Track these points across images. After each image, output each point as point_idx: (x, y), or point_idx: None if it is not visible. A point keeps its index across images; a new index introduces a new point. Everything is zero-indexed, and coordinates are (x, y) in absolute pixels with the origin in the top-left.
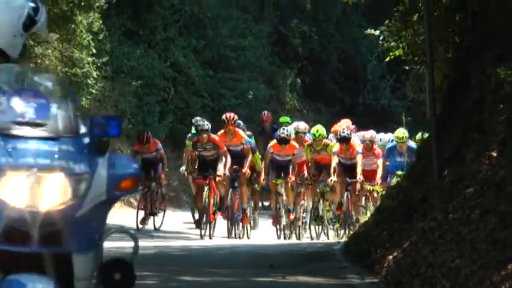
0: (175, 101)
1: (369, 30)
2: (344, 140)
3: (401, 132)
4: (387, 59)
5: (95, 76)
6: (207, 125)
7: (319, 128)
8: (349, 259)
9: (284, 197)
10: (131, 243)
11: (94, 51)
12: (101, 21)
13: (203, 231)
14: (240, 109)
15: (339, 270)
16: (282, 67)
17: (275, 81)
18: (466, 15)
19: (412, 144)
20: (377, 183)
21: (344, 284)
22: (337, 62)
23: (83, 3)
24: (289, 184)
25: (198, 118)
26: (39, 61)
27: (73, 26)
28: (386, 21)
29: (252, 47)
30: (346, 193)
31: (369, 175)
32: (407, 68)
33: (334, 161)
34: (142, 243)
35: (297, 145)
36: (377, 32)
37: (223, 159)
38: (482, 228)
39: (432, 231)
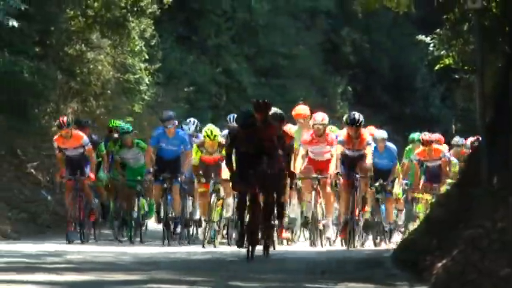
0: (227, 107)
1: (419, 36)
2: (354, 123)
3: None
4: (437, 67)
5: (148, 82)
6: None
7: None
8: (398, 266)
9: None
10: None
11: (146, 57)
12: (153, 27)
13: None
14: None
15: (389, 277)
16: (333, 75)
17: (326, 89)
18: None
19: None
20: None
21: None
22: (388, 70)
23: (135, 9)
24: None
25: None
26: (91, 66)
27: (126, 31)
28: (437, 30)
29: (303, 55)
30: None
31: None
32: (457, 76)
33: (337, 150)
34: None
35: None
36: (428, 39)
37: None
38: None
39: (481, 239)
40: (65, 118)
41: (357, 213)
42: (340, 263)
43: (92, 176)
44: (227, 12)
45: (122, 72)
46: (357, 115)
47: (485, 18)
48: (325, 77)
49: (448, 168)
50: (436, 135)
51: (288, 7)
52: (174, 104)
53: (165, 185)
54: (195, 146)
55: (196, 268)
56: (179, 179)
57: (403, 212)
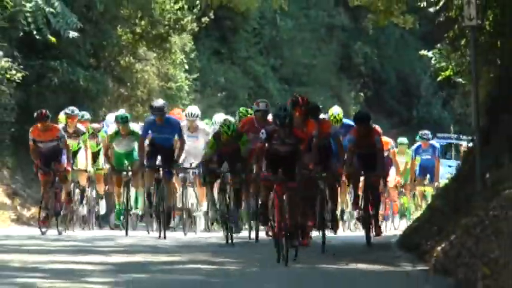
0: None
1: (422, 51)
2: (362, 121)
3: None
4: (439, 78)
5: (187, 89)
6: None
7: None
8: (403, 250)
9: None
10: None
11: (186, 67)
12: (192, 42)
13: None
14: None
15: (394, 259)
16: (347, 83)
17: (341, 95)
18: (506, 40)
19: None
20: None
21: (398, 271)
22: (395, 79)
23: (177, 27)
24: None
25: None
26: (139, 76)
27: (168, 46)
28: (438, 45)
29: (321, 65)
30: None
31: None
32: (455, 85)
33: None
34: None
35: None
36: (430, 53)
37: None
38: None
39: (475, 226)
40: (45, 110)
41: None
42: (351, 247)
43: (69, 167)
44: (256, 29)
45: (165, 81)
46: (364, 112)
47: (480, 35)
48: (340, 84)
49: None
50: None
51: (308, 24)
52: (210, 108)
53: (157, 175)
54: (211, 138)
55: (227, 251)
56: (173, 170)
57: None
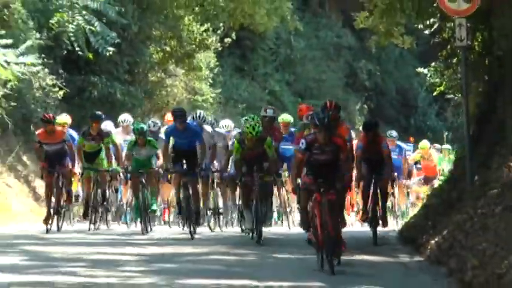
0: None
1: (419, 68)
2: (370, 128)
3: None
4: (435, 93)
5: (211, 101)
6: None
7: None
8: (401, 243)
9: None
10: None
11: (211, 81)
12: (215, 59)
13: None
14: None
15: (394, 251)
16: (353, 96)
17: (347, 106)
18: (493, 59)
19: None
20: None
21: (397, 261)
22: (395, 92)
23: (202, 46)
24: None
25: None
26: (168, 89)
27: (195, 62)
28: (433, 63)
29: (330, 80)
30: None
31: None
32: (448, 97)
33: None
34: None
35: None
36: (425, 70)
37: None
38: (504, 220)
39: (465, 222)
40: (51, 114)
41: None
42: (358, 240)
43: (74, 169)
44: (272, 48)
45: (192, 94)
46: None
47: (470, 54)
48: (347, 97)
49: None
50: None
51: (318, 43)
52: (232, 118)
53: (184, 179)
54: (235, 142)
55: (245, 244)
56: (197, 172)
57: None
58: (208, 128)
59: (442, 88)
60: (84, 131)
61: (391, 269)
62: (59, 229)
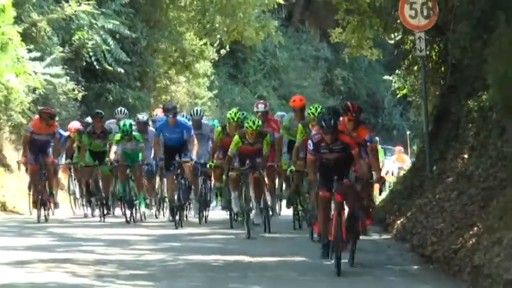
0: None
1: (386, 76)
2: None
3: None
4: (398, 95)
5: (209, 104)
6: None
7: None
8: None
9: None
10: None
11: (207, 85)
12: (212, 68)
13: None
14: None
15: (366, 230)
16: (330, 99)
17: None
18: (448, 66)
19: None
20: None
21: (368, 239)
22: (365, 96)
23: (201, 56)
24: None
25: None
26: (173, 94)
27: (195, 70)
28: (397, 71)
29: (310, 86)
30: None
31: None
32: (410, 100)
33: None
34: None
35: None
36: (391, 77)
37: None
38: (458, 203)
39: (425, 205)
40: (51, 110)
41: None
42: None
43: (55, 161)
44: (260, 59)
45: (193, 98)
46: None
47: (428, 63)
48: (325, 100)
49: None
50: None
51: (300, 55)
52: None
53: (177, 172)
54: (236, 136)
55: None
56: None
57: None
58: (207, 121)
59: (404, 92)
60: (88, 131)
61: (363, 245)
62: (46, 219)
